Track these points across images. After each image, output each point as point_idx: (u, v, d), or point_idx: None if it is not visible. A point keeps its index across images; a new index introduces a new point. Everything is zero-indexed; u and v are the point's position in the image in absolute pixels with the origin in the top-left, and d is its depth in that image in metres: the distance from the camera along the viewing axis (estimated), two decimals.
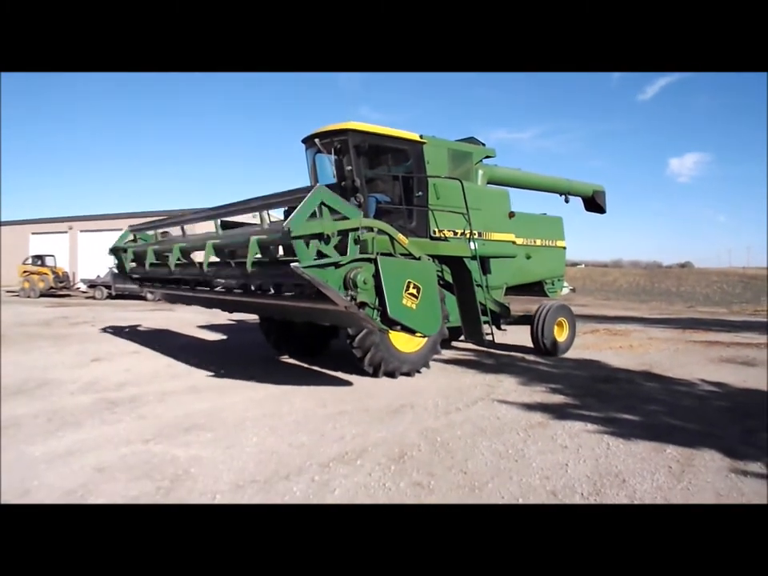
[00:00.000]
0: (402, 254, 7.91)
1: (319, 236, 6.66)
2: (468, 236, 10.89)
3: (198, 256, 8.97)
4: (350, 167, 10.17)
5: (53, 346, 13.39)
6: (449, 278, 10.69)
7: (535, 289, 14.21)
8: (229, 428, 6.78)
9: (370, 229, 7.46)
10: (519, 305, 13.95)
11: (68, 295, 37.98)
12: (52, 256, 40.30)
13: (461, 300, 10.65)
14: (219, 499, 4.71)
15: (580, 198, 15.89)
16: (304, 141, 11.22)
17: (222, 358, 11.73)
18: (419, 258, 8.10)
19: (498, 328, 12.14)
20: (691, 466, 5.65)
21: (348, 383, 9.46)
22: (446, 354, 12.44)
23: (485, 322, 10.79)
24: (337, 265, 6.81)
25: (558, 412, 7.67)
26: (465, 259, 10.62)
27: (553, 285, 14.41)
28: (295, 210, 6.45)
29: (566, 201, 15.19)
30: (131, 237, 11.95)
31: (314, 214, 6.68)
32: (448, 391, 8.91)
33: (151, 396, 8.29)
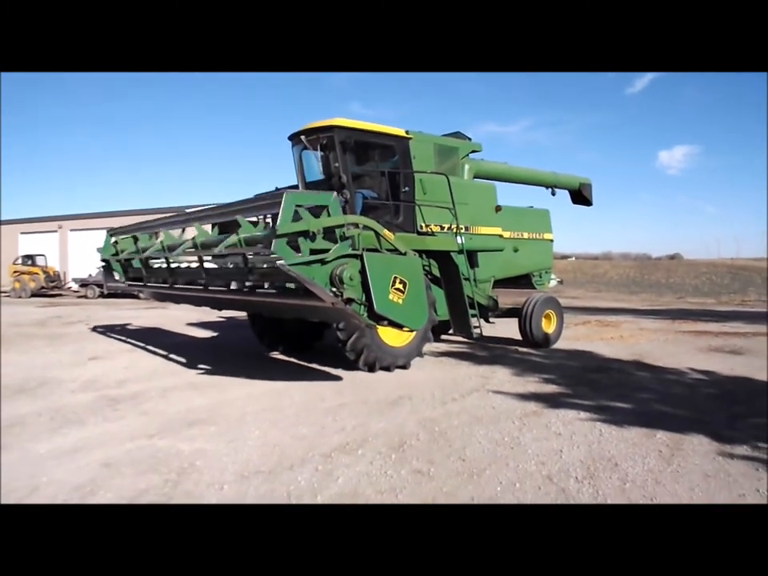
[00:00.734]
0: (387, 250, 8.07)
1: (305, 233, 6.80)
2: (455, 230, 10.98)
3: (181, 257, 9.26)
4: (336, 163, 10.19)
5: (49, 345, 13.48)
6: (436, 272, 10.81)
7: (523, 282, 14.35)
8: (231, 422, 6.93)
9: (356, 225, 7.62)
10: (509, 297, 14.08)
11: (59, 295, 37.92)
12: (43, 255, 40.15)
13: (448, 294, 10.78)
14: (226, 489, 4.86)
15: (567, 191, 16.09)
16: (290, 138, 11.25)
17: (217, 355, 11.89)
18: (405, 254, 8.24)
19: (487, 321, 12.31)
20: (680, 450, 5.85)
21: (345, 377, 9.60)
22: (440, 346, 12.65)
23: (473, 316, 10.88)
24: (323, 262, 6.95)
25: (551, 401, 7.85)
26: (452, 253, 10.74)
27: (540, 277, 14.54)
28: (279, 218, 6.59)
29: (553, 194, 15.33)
30: (113, 240, 12.07)
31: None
32: (444, 382, 9.09)
33: (152, 392, 8.42)
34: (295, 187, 11.62)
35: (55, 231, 50.20)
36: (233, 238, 7.38)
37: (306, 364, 10.90)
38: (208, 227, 9.32)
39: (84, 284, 36.20)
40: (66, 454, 5.78)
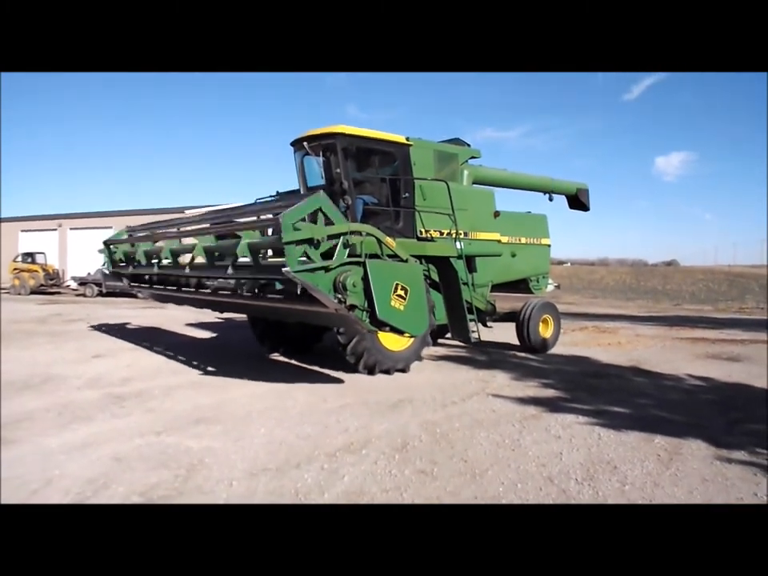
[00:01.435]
0: (389, 256, 8.22)
1: (309, 240, 6.89)
2: (454, 236, 11.06)
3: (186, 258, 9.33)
4: (338, 169, 10.33)
5: (51, 342, 13.59)
6: (435, 277, 10.88)
7: (521, 286, 14.41)
8: (236, 420, 7.06)
9: (359, 233, 7.75)
10: (506, 302, 14.23)
11: (58, 293, 37.97)
12: (42, 253, 40.22)
13: (447, 299, 10.85)
14: (236, 486, 4.99)
15: (564, 197, 16.21)
16: (293, 144, 11.40)
17: (217, 355, 12.02)
18: (406, 260, 8.47)
19: (485, 325, 12.44)
20: (679, 454, 5.98)
21: (345, 379, 9.74)
22: (439, 350, 12.77)
23: (471, 320, 10.95)
24: (327, 268, 7.08)
25: (550, 405, 7.97)
26: (451, 259, 10.82)
27: (538, 282, 14.62)
28: (291, 207, 6.71)
29: (550, 199, 15.44)
30: (125, 236, 12.13)
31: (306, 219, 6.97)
32: (444, 386, 9.20)
33: (157, 391, 8.55)
34: (297, 192, 11.79)
35: (55, 230, 50.30)
36: (242, 246, 7.46)
37: (306, 366, 11.01)
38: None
39: (83, 282, 36.27)
40: (77, 448, 5.90)
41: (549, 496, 4.88)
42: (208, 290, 9.85)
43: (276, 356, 12.10)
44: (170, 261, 9.71)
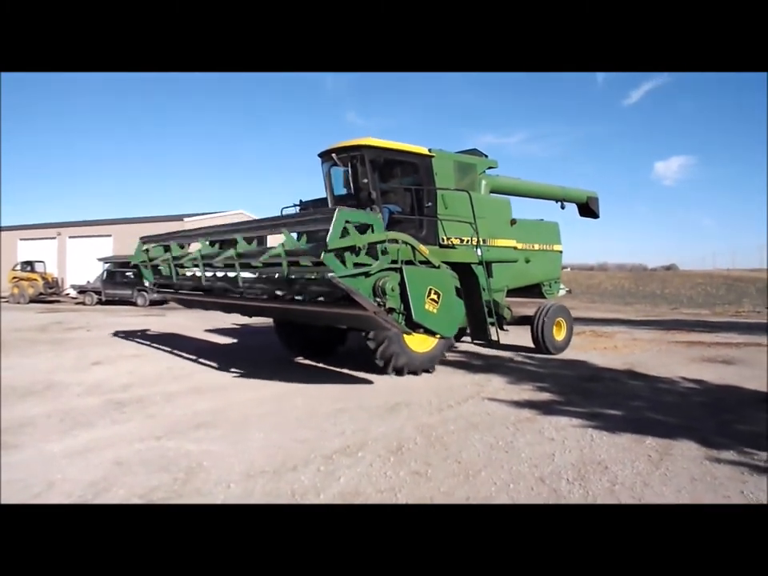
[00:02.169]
0: (421, 263, 8.57)
1: (351, 248, 7.31)
2: (475, 243, 11.40)
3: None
4: (365, 180, 10.80)
5: (52, 350, 13.69)
6: (456, 282, 11.00)
7: (534, 291, 14.94)
8: (235, 425, 7.18)
9: (395, 241, 8.21)
10: (521, 306, 14.54)
11: (57, 301, 38.12)
12: (42, 262, 40.37)
13: (468, 303, 11.09)
14: (234, 488, 5.10)
15: (575, 205, 16.78)
16: (321, 155, 11.82)
17: (220, 360, 12.11)
18: (438, 266, 8.85)
19: (501, 329, 12.61)
20: (669, 455, 6.09)
21: (344, 384, 9.90)
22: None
23: (490, 324, 11.33)
24: (367, 274, 7.55)
25: (545, 408, 8.09)
26: (472, 265, 11.19)
27: (550, 287, 15.19)
28: (329, 233, 7.06)
29: (562, 207, 15.98)
30: (145, 248, 12.61)
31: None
32: (440, 390, 9.33)
33: (157, 397, 8.66)
34: (322, 201, 12.34)
35: (54, 238, 50.45)
36: (278, 249, 8.06)
37: (307, 369, 11.13)
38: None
39: (82, 291, 36.48)
40: (78, 453, 6.01)
41: (540, 496, 4.99)
42: (237, 295, 10.17)
43: (278, 359, 12.34)
44: (201, 266, 10.20)
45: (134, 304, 33.20)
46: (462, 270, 10.95)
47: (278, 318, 12.23)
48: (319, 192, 12.30)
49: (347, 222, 7.31)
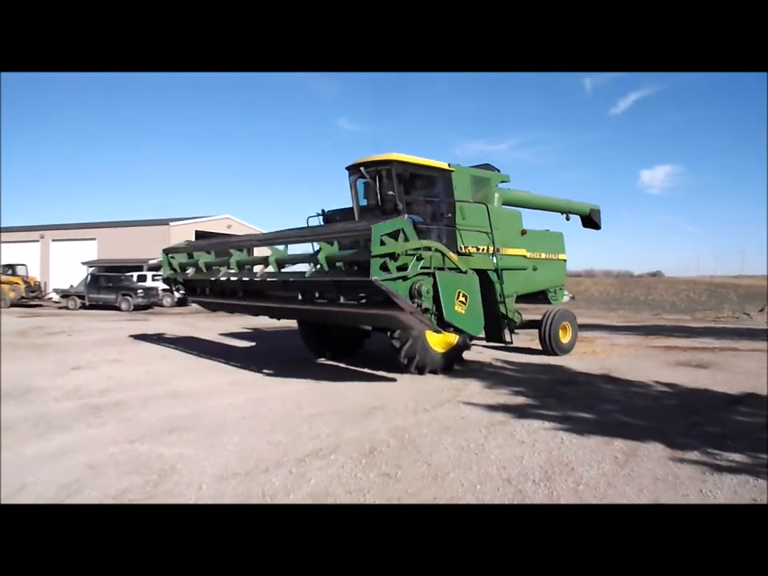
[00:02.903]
0: (449, 268, 9.23)
1: (391, 255, 7.96)
2: (491, 252, 12.22)
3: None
4: (390, 192, 11.63)
5: (32, 355, 13.70)
6: None
7: (540, 297, 15.75)
8: (210, 429, 7.25)
9: (428, 248, 8.86)
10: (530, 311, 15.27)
11: (39, 305, 37.97)
12: (24, 265, 40.23)
13: (484, 307, 11.32)
14: (205, 489, 5.18)
15: (578, 217, 17.77)
16: (348, 168, 12.59)
17: (197, 366, 12.17)
18: (466, 272, 9.52)
19: (511, 332, 13.38)
20: (635, 456, 6.23)
21: (321, 388, 9.98)
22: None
23: (505, 327, 12.05)
24: (404, 278, 8.22)
25: (518, 412, 8.20)
26: (488, 272, 11.86)
27: (555, 293, 16.03)
28: (379, 229, 7.84)
29: (567, 219, 16.99)
30: (170, 256, 13.31)
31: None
32: (417, 394, 9.43)
33: (134, 401, 8.71)
34: (345, 211, 13.28)
35: (37, 241, 50.21)
36: (321, 257, 8.52)
37: (285, 375, 11.19)
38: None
39: (65, 295, 36.29)
40: (52, 456, 6.08)
41: (506, 496, 5.10)
42: (267, 298, 10.98)
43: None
44: (235, 271, 10.86)
45: (119, 309, 33.11)
46: (480, 277, 11.26)
47: (311, 321, 12.71)
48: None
49: (402, 230, 8.15)
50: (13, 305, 35.97)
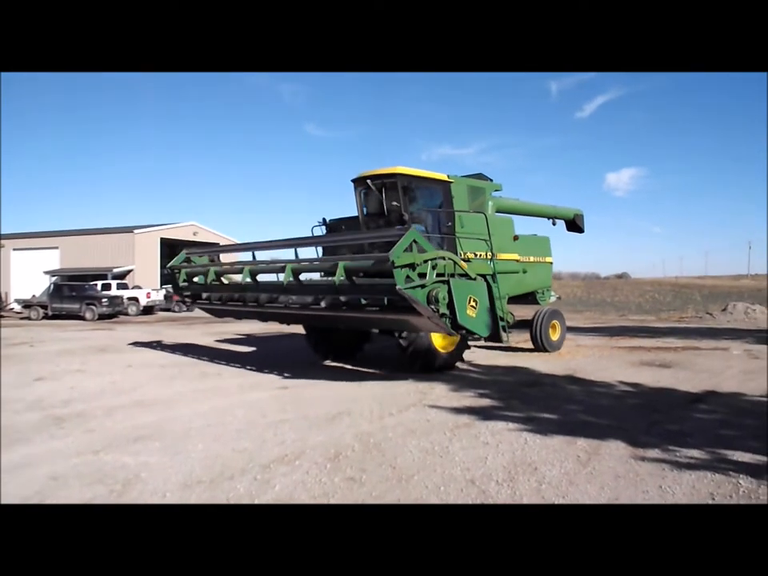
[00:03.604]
0: (459, 275, 9.96)
1: (410, 265, 8.69)
2: (489, 257, 12.94)
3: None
4: (395, 202, 12.47)
5: None
6: None
7: (528, 298, 16.58)
8: (176, 437, 7.21)
9: (442, 257, 9.65)
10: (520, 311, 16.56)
11: (1, 316, 37.34)
12: None
13: None
14: (169, 497, 5.16)
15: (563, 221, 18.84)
16: (354, 180, 13.38)
17: (162, 374, 12.09)
18: (475, 278, 10.30)
19: (504, 332, 13.63)
20: (597, 455, 6.32)
21: (287, 395, 9.99)
22: (379, 366, 13.16)
23: (502, 327, 12.56)
24: (423, 285, 8.91)
25: (483, 414, 8.27)
26: (486, 276, 12.25)
27: (543, 294, 16.96)
28: (396, 244, 8.52)
29: (554, 224, 18.08)
30: (185, 258, 14.29)
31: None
32: (383, 398, 9.47)
33: (98, 411, 8.64)
34: (348, 220, 14.18)
35: None
36: (340, 266, 9.34)
37: (247, 381, 11.15)
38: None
39: (27, 305, 35.71)
40: (13, 469, 6.00)
41: (469, 496, 5.15)
42: (281, 305, 11.53)
43: (214, 371, 12.47)
44: (249, 280, 11.57)
45: (83, 318, 32.72)
46: None
47: (322, 326, 13.57)
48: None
49: (414, 241, 8.81)
50: None
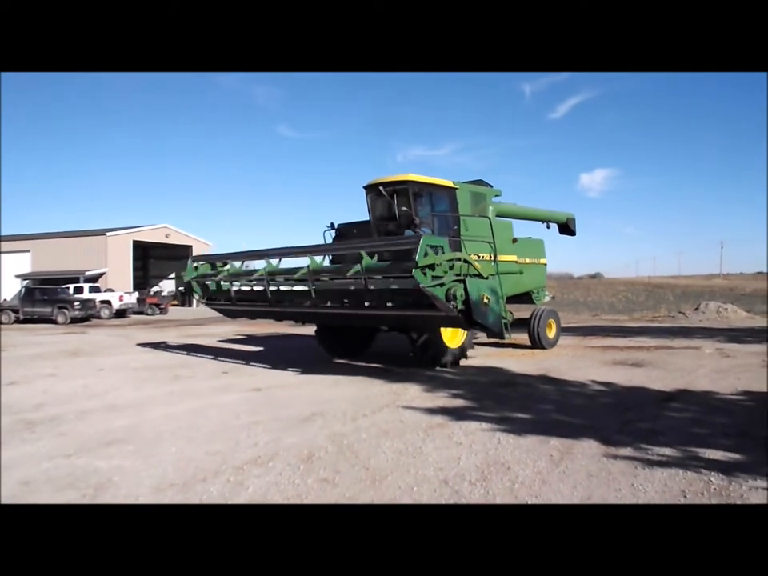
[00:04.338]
0: (473, 275, 10.34)
1: (431, 266, 9.31)
2: (492, 259, 13.50)
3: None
4: (404, 207, 13.18)
5: None
6: None
7: (524, 298, 17.19)
8: (148, 440, 7.17)
9: (458, 259, 10.23)
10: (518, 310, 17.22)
11: None
12: None
13: None
14: (142, 500, 5.13)
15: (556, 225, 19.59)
16: (366, 187, 14.10)
17: (135, 377, 12.02)
18: (487, 278, 10.76)
19: (507, 329, 13.94)
20: (570, 454, 6.37)
21: (260, 396, 9.96)
22: (353, 367, 13.17)
23: (504, 325, 12.64)
24: (441, 284, 9.50)
25: (457, 414, 8.30)
26: (490, 276, 12.51)
27: (538, 294, 17.72)
28: (422, 245, 9.23)
29: (548, 227, 18.92)
30: (195, 265, 14.89)
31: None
32: (356, 399, 9.48)
33: (70, 415, 8.56)
34: (358, 224, 15.02)
35: None
36: (357, 267, 10.17)
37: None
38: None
39: None
40: None
41: (442, 497, 5.17)
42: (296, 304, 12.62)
43: (183, 371, 12.30)
44: (265, 281, 12.38)
45: (55, 322, 32.43)
46: None
47: (331, 324, 14.34)
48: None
49: (429, 245, 9.45)
50: None
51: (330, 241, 14.91)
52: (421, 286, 9.15)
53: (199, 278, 14.58)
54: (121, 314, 38.98)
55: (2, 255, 48.59)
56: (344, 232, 15.26)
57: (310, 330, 16.60)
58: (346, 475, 5.78)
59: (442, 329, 12.32)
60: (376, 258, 10.30)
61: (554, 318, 17.35)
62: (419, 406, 8.84)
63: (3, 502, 5.16)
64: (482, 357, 14.62)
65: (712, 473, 5.68)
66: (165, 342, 19.72)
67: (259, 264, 13.10)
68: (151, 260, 63.93)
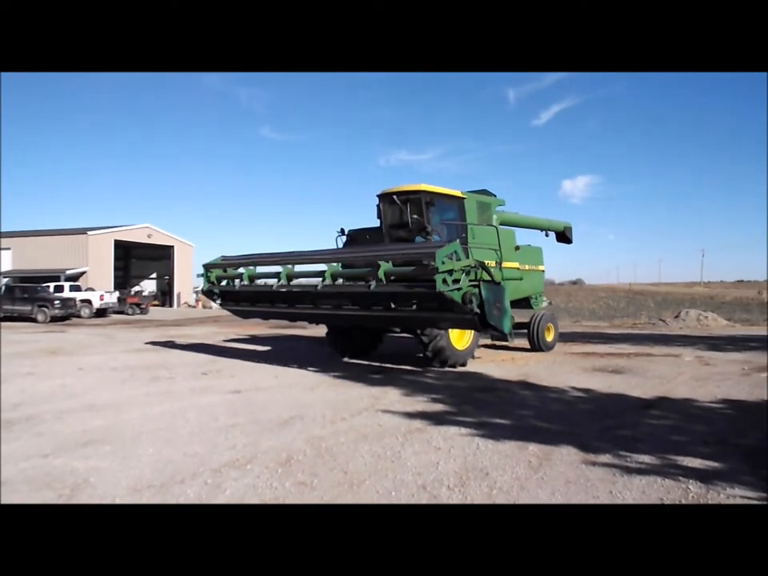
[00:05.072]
0: (485, 281, 10.70)
1: (449, 271, 9.88)
2: (499, 265, 14.12)
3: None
4: (416, 216, 13.82)
5: None
6: None
7: (523, 303, 17.86)
8: (126, 441, 7.13)
9: (473, 266, 10.59)
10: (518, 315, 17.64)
11: None
12: None
13: None
14: (119, 502, 5.11)
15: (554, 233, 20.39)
16: (380, 195, 14.76)
17: (114, 377, 11.95)
18: (499, 283, 11.11)
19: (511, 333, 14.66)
20: (549, 460, 6.39)
21: (239, 399, 9.93)
22: (335, 371, 13.13)
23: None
24: (459, 289, 10.05)
25: (436, 419, 8.32)
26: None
27: (536, 299, 18.46)
28: (441, 252, 9.90)
29: (546, 235, 19.82)
30: (208, 274, 15.17)
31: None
32: (336, 403, 9.47)
33: (48, 414, 8.50)
34: (370, 231, 15.56)
35: None
36: (380, 272, 10.61)
37: (198, 383, 11.07)
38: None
39: None
40: None
41: (420, 502, 5.18)
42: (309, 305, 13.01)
43: (165, 372, 12.26)
44: (283, 282, 12.97)
45: (35, 320, 32.19)
46: None
47: (342, 326, 15.17)
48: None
49: (455, 252, 10.19)
50: None
51: (340, 245, 15.38)
52: (439, 289, 9.66)
53: (218, 284, 15.05)
54: (101, 313, 38.75)
55: None
56: (356, 238, 15.78)
57: (291, 331, 16.66)
58: (324, 479, 5.77)
59: (450, 331, 13.02)
60: (391, 262, 10.81)
61: (553, 322, 18.05)
62: (398, 410, 8.85)
63: None
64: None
65: (690, 480, 5.72)
66: (148, 343, 19.63)
67: (271, 268, 13.76)
68: (133, 260, 63.78)
